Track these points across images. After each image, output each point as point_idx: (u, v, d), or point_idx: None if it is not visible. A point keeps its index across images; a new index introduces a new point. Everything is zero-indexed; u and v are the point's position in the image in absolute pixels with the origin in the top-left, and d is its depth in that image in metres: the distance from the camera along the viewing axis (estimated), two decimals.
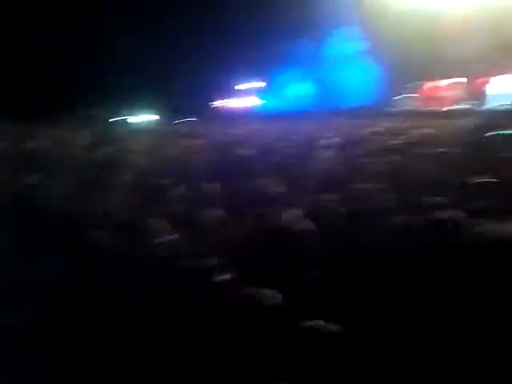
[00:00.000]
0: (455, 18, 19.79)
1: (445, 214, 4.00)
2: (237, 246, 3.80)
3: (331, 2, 20.94)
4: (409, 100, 19.64)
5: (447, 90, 18.97)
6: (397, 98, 19.87)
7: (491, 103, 17.40)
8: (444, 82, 19.23)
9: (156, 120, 22.10)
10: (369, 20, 19.81)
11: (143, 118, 22.70)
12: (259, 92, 23.97)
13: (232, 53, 21.01)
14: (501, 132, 8.64)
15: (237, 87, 24.40)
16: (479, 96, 18.00)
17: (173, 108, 20.16)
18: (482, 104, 17.53)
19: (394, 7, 20.29)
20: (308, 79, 22.46)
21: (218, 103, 24.91)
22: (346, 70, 21.22)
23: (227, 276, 3.22)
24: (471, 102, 17.93)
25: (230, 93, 24.65)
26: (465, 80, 19.02)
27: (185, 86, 21.75)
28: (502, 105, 17.20)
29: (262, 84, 23.89)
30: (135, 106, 22.34)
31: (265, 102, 23.47)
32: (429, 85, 19.81)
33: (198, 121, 19.46)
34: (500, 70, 18.09)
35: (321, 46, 21.70)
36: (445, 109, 18.23)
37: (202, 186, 5.40)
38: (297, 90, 22.61)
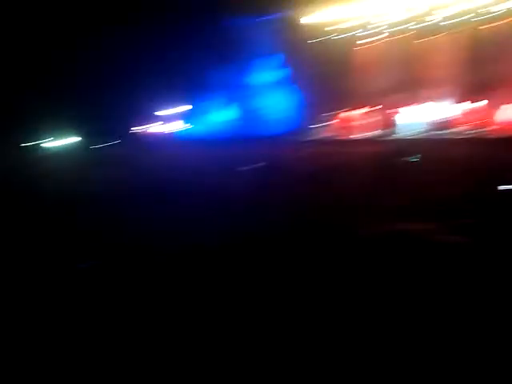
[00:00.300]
0: (372, 52, 20.79)
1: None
2: None
3: (255, 29, 21.39)
4: (327, 128, 20.28)
5: (361, 119, 19.78)
6: (316, 125, 20.46)
7: (401, 132, 18.45)
8: (358, 112, 20.03)
9: (73, 145, 21.34)
10: (292, 48, 20.34)
11: (61, 142, 21.87)
12: (183, 117, 23.82)
13: (156, 78, 20.82)
14: (409, 158, 9.23)
15: (160, 112, 24.13)
16: (390, 125, 18.94)
17: (94, 133, 19.59)
18: (393, 132, 18.49)
19: (316, 37, 20.95)
20: (232, 105, 22.62)
21: (140, 128, 24.49)
22: (268, 96, 21.62)
23: None
24: (383, 131, 18.87)
25: (153, 118, 24.33)
26: (377, 109, 19.94)
27: (107, 110, 21.26)
28: (411, 133, 18.32)
29: (186, 109, 23.76)
30: (54, 130, 21.51)
31: (189, 127, 23.34)
32: (345, 114, 20.55)
33: (116, 146, 19.02)
34: (409, 101, 19.17)
35: (245, 73, 21.97)
36: (359, 136, 19.12)
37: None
38: (221, 115, 22.68)
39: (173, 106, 23.54)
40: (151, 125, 24.30)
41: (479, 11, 17.79)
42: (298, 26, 20.39)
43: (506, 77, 17.38)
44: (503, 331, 3.00)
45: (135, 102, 21.75)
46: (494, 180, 6.20)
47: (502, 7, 17.30)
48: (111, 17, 20.18)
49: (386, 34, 19.94)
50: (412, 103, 19.12)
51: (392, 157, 9.13)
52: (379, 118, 19.66)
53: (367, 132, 19.18)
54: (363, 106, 19.92)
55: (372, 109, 19.73)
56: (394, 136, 18.19)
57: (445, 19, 18.47)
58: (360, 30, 20.21)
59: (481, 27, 18.22)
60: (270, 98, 21.55)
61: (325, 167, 8.55)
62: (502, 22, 17.70)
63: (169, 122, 23.81)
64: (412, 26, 19.05)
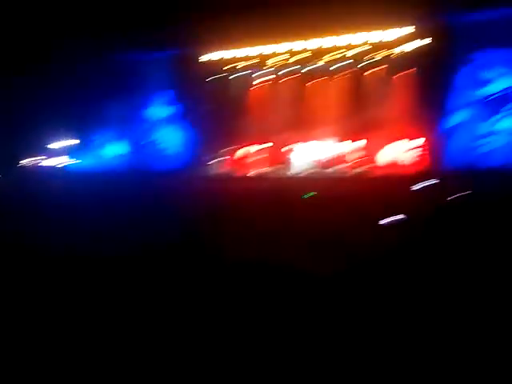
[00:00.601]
0: (267, 91, 21.52)
1: None
2: None
3: (152, 65, 21.40)
4: (221, 164, 20.51)
5: (255, 156, 20.26)
6: (210, 162, 20.62)
7: (291, 169, 19.17)
8: (252, 149, 20.51)
9: None
10: (188, 85, 20.49)
11: None
12: (73, 151, 22.90)
13: (46, 110, 20.00)
14: (306, 194, 9.62)
15: (49, 146, 23.04)
16: (282, 163, 19.58)
17: None
18: (284, 170, 19.14)
19: (214, 75, 21.32)
20: (126, 140, 22.21)
21: (27, 162, 23.19)
22: (163, 132, 21.55)
23: None
24: (275, 168, 19.46)
25: (41, 151, 23.16)
26: (270, 147, 20.56)
27: None
28: (300, 171, 19.09)
29: (77, 143, 22.90)
30: None
31: (78, 161, 22.48)
32: (240, 151, 20.94)
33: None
34: (300, 140, 19.98)
35: (140, 108, 21.79)
36: (253, 173, 19.58)
37: None
38: (113, 150, 22.15)
39: (63, 140, 22.63)
40: (41, 158, 23.14)
41: (365, 57, 19.11)
42: (196, 63, 20.67)
43: (388, 119, 18.88)
44: None
45: (25, 135, 20.78)
46: (376, 215, 6.66)
47: (382, 54, 18.78)
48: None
49: (281, 75, 20.79)
50: (303, 142, 19.93)
51: (283, 193, 9.54)
52: (272, 155, 20.25)
53: (260, 169, 19.66)
54: (257, 144, 20.44)
55: (265, 146, 20.27)
56: (286, 173, 18.86)
57: (334, 63, 19.58)
58: (256, 70, 20.89)
59: (366, 72, 19.71)
60: (165, 133, 21.54)
61: (217, 203, 8.65)
62: (383, 67, 19.30)
63: (59, 155, 22.80)
64: (304, 68, 19.97)
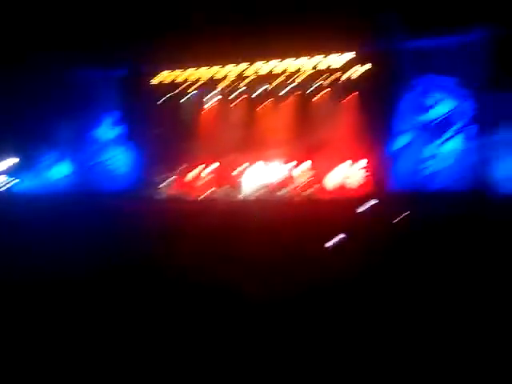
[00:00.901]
0: (217, 113, 21.61)
1: None
2: None
3: (101, 84, 21.11)
4: (171, 185, 20.35)
5: (205, 177, 20.23)
6: (160, 182, 20.43)
7: (244, 190, 19.23)
8: (203, 169, 20.48)
9: None
10: (138, 106, 20.30)
11: None
12: (13, 171, 22.10)
13: None
14: (255, 216, 9.68)
15: None
16: (234, 183, 19.62)
17: None
18: (237, 191, 19.16)
19: (165, 96, 21.25)
20: (72, 160, 21.69)
21: None
22: (112, 152, 21.21)
23: None
24: (226, 189, 19.46)
25: None
26: (221, 167, 20.61)
27: None
28: (254, 192, 19.18)
29: (18, 162, 22.13)
30: None
31: (22, 181, 21.72)
32: (191, 171, 20.87)
33: None
34: (249, 162, 20.12)
35: (88, 127, 21.40)
36: (203, 195, 19.51)
37: None
38: (59, 170, 21.59)
39: (4, 160, 21.84)
40: None
41: (311, 81, 19.51)
42: (147, 83, 20.56)
43: (334, 142, 19.30)
44: None
45: None
46: (321, 237, 6.79)
47: (328, 79, 19.25)
48: None
49: (231, 97, 20.96)
50: (252, 164, 20.09)
51: (232, 215, 9.58)
52: (221, 177, 20.28)
53: (209, 191, 19.64)
54: (207, 165, 20.44)
55: (214, 168, 20.29)
56: (235, 196, 18.90)
57: (282, 86, 19.90)
58: (206, 92, 20.98)
59: (313, 95, 20.14)
60: (114, 153, 21.20)
61: (167, 225, 8.59)
62: (329, 91, 19.79)
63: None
64: (254, 90, 20.20)
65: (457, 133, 16.76)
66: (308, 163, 19.63)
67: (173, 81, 20.65)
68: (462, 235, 7.36)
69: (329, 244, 6.58)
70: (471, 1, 15.92)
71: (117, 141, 21.08)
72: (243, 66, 19.41)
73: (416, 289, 5.00)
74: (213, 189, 19.72)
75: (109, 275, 5.70)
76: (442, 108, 16.89)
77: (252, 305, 4.50)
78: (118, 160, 21.14)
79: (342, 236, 6.75)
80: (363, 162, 18.40)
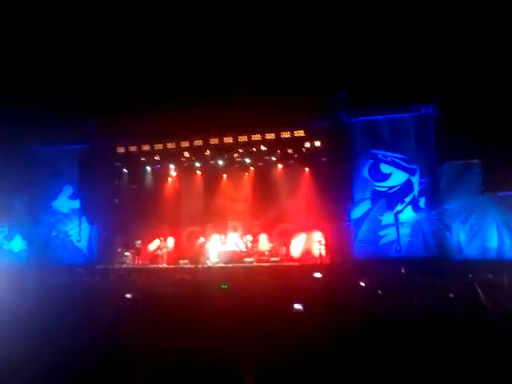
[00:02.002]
0: (181, 184, 21.88)
1: None
2: None
3: (59, 157, 21.09)
4: (130, 258, 20.11)
5: (168, 248, 20.15)
6: (121, 254, 20.18)
7: (208, 260, 19.19)
8: (163, 242, 20.39)
9: None
10: (98, 177, 20.29)
11: None
12: None
13: None
14: (222, 285, 9.70)
15: None
16: (197, 254, 19.58)
17: None
18: (201, 261, 19.09)
19: (128, 167, 21.38)
20: (24, 234, 21.21)
21: None
22: (72, 225, 20.92)
23: None
24: (190, 259, 19.35)
25: None
26: (184, 238, 20.61)
27: None
28: (216, 262, 19.15)
29: None
30: None
31: None
32: (151, 243, 20.76)
33: None
34: (211, 232, 20.24)
35: (40, 202, 21.11)
36: (165, 265, 19.33)
37: None
38: (17, 244, 21.06)
39: None
40: None
41: (272, 154, 20.12)
42: (108, 155, 20.68)
43: (294, 212, 19.76)
44: None
45: None
46: (287, 302, 6.90)
47: (287, 151, 19.91)
48: None
49: (194, 168, 21.32)
50: (214, 234, 20.21)
51: (196, 285, 9.60)
52: (184, 247, 20.26)
53: (171, 261, 19.52)
54: (169, 236, 20.41)
55: (172, 240, 20.28)
56: (203, 265, 18.81)
57: (244, 157, 20.42)
58: (169, 163, 21.29)
59: (274, 168, 20.73)
60: (74, 226, 20.93)
61: (130, 296, 8.48)
62: (289, 163, 20.43)
63: None
64: (210, 165, 20.67)
65: (409, 203, 17.43)
66: (266, 235, 19.95)
67: (130, 155, 20.84)
68: (422, 300, 7.55)
69: (295, 308, 6.70)
70: (418, 79, 17.16)
71: (78, 213, 20.86)
72: (198, 141, 19.84)
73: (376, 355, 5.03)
74: (176, 259, 19.59)
75: (70, 351, 5.48)
76: (397, 178, 17.62)
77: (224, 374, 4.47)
78: (76, 233, 20.83)
79: (301, 302, 6.89)
80: (322, 232, 18.81)
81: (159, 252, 19.99)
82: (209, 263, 19.01)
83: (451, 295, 7.18)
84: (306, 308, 6.56)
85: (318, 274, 11.57)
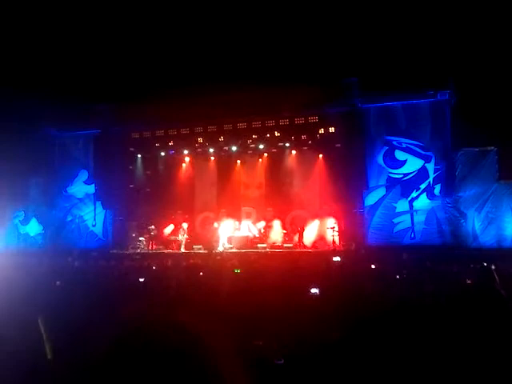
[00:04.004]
0: (195, 170, 21.94)
1: None
2: None
3: (75, 142, 21.23)
4: (145, 242, 20.24)
5: (184, 232, 20.16)
6: (136, 239, 20.31)
7: (221, 245, 19.25)
8: (178, 226, 20.46)
9: None
10: (113, 162, 20.42)
11: None
12: None
13: None
14: (235, 270, 9.75)
15: None
16: (210, 239, 19.61)
17: None
18: (214, 247, 19.15)
19: (143, 152, 21.45)
20: (40, 218, 21.45)
21: None
22: (88, 209, 21.11)
23: None
24: (199, 246, 19.43)
25: None
26: (199, 223, 20.67)
27: None
28: (230, 247, 19.19)
29: None
30: None
31: None
32: (167, 227, 20.85)
33: None
34: (225, 217, 20.24)
35: (56, 187, 21.32)
36: (180, 250, 19.44)
37: None
38: (34, 227, 21.31)
39: None
40: None
41: (286, 140, 20.04)
42: (123, 141, 20.79)
43: (309, 198, 19.72)
44: None
45: None
46: (303, 288, 6.89)
47: (302, 137, 19.83)
48: None
49: (208, 154, 21.34)
50: (227, 219, 20.22)
51: (215, 268, 9.68)
52: (199, 232, 20.32)
53: (186, 246, 19.58)
54: (184, 221, 20.47)
55: (186, 225, 20.29)
56: (216, 250, 18.89)
57: (258, 144, 20.37)
58: (183, 149, 21.32)
59: (288, 153, 20.66)
60: (90, 210, 21.12)
61: (144, 281, 8.55)
62: (304, 149, 20.35)
63: None
64: (230, 147, 20.65)
65: (424, 190, 17.31)
66: (279, 221, 19.92)
67: (144, 140, 20.94)
68: (436, 288, 7.51)
69: (312, 291, 6.70)
70: (434, 65, 16.93)
71: (89, 198, 21.04)
72: (212, 127, 19.88)
73: (395, 342, 5.01)
74: (192, 244, 19.62)
75: (84, 335, 5.52)
76: (412, 165, 17.50)
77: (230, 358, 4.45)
78: (91, 218, 21.03)
79: (319, 287, 6.88)
80: (335, 219, 18.74)
81: (179, 237, 19.95)
82: (222, 249, 19.07)
83: (468, 281, 7.12)
84: (321, 292, 6.57)
85: (336, 258, 11.53)
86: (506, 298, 5.48)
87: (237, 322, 5.16)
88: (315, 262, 12.27)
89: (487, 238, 16.44)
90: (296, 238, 19.39)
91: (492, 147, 16.95)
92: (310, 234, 19.32)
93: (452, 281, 7.49)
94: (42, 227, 21.23)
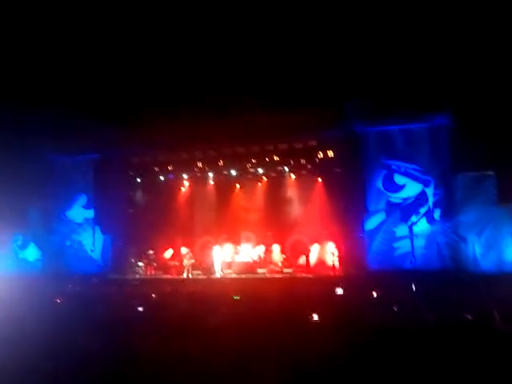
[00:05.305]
0: (192, 194, 21.91)
1: None
2: None
3: (73, 167, 21.26)
4: (143, 267, 20.14)
5: (179, 259, 20.09)
6: (135, 264, 20.19)
7: (221, 271, 19.13)
8: (179, 250, 20.38)
9: None
10: (112, 186, 20.43)
11: None
12: None
13: None
14: (234, 297, 9.72)
15: None
16: (207, 264, 19.52)
17: None
18: (211, 272, 19.05)
19: (143, 176, 21.48)
20: (39, 243, 21.36)
21: None
22: (86, 234, 21.05)
23: None
24: (198, 271, 19.33)
25: None
26: (194, 249, 20.52)
27: None
28: (229, 272, 19.07)
29: None
30: None
31: None
32: (165, 252, 20.77)
33: None
34: (223, 242, 20.18)
35: (54, 211, 21.27)
36: (176, 276, 19.28)
37: None
38: (32, 252, 21.22)
39: None
40: None
41: (285, 164, 20.09)
42: (121, 165, 20.84)
43: (308, 222, 19.66)
44: None
45: None
46: (304, 313, 6.86)
47: (302, 161, 19.87)
48: None
49: (206, 178, 21.37)
50: (227, 243, 20.16)
51: (209, 296, 9.60)
52: (197, 257, 20.19)
53: (184, 272, 19.45)
54: (182, 246, 20.38)
55: (185, 248, 20.18)
56: (214, 275, 18.80)
57: (256, 168, 20.41)
58: (181, 173, 21.35)
59: (287, 178, 20.67)
60: (89, 235, 21.05)
61: (142, 306, 8.49)
62: (303, 173, 20.37)
63: None
64: (228, 172, 20.69)
65: (424, 215, 17.28)
66: (279, 246, 19.84)
67: (144, 165, 21.01)
68: (436, 315, 7.46)
69: (313, 318, 6.66)
70: (432, 89, 17.05)
71: (88, 223, 21.00)
72: (212, 152, 19.98)
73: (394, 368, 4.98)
74: (190, 269, 19.49)
75: (82, 362, 5.48)
76: (412, 189, 17.50)
77: None
78: (90, 243, 20.95)
79: (319, 314, 6.84)
80: (335, 243, 18.68)
81: (184, 262, 19.66)
82: (221, 274, 18.95)
83: (468, 316, 7.06)
84: (321, 320, 6.51)
85: (339, 291, 11.22)
86: (505, 334, 5.45)
87: (236, 357, 5.11)
88: (316, 289, 12.17)
89: (488, 263, 16.35)
90: (303, 261, 19.21)
91: (490, 171, 16.97)
92: (312, 258, 19.23)
93: (451, 312, 7.42)
94: (40, 252, 21.12)
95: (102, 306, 9.79)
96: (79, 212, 21.24)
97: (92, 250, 20.78)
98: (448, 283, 12.61)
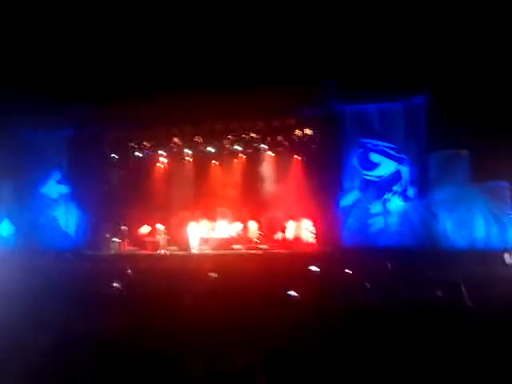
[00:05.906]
0: (169, 170, 21.76)
1: None
2: None
3: (48, 143, 20.85)
4: (118, 244, 20.03)
5: (157, 234, 20.04)
6: (110, 240, 20.05)
7: (196, 247, 19.17)
8: (154, 226, 20.32)
9: None
10: (87, 162, 20.15)
11: None
12: None
13: None
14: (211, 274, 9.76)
15: None
16: (182, 241, 19.53)
17: None
18: (187, 248, 19.08)
19: (118, 152, 21.18)
20: (12, 219, 21.05)
21: None
22: (60, 210, 20.78)
23: None
24: (174, 247, 19.35)
25: None
26: (172, 224, 20.46)
27: None
28: (204, 248, 19.12)
29: None
30: None
31: None
32: (140, 228, 20.67)
33: None
34: (199, 219, 20.15)
35: (28, 187, 20.92)
36: (153, 251, 19.28)
37: None
38: (4, 228, 20.91)
39: None
40: None
41: (262, 141, 20.07)
42: (96, 141, 20.52)
43: (283, 199, 19.74)
44: None
45: None
46: (281, 288, 6.93)
47: (277, 138, 19.85)
48: None
49: (181, 154, 21.21)
50: (202, 220, 20.14)
51: (185, 273, 9.64)
52: (172, 233, 20.15)
53: (161, 248, 19.44)
54: (158, 222, 20.31)
55: (160, 225, 20.12)
56: (191, 252, 18.84)
57: (232, 144, 20.34)
58: (157, 149, 21.15)
59: (263, 155, 20.65)
60: (63, 211, 20.81)
61: (117, 282, 8.47)
62: (279, 150, 20.37)
63: None
64: (204, 148, 20.57)
65: (398, 193, 17.52)
66: (255, 222, 19.92)
67: (119, 141, 20.74)
68: (410, 291, 7.61)
69: (288, 294, 6.75)
70: (409, 68, 17.14)
71: (66, 198, 20.73)
72: (189, 128, 19.82)
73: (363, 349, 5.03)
74: (166, 245, 19.49)
75: (54, 338, 5.41)
76: (386, 167, 17.70)
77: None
78: (64, 218, 20.72)
79: (293, 290, 6.93)
80: (311, 220, 18.86)
81: (148, 238, 19.82)
82: (197, 250, 19.00)
83: (438, 293, 7.23)
84: (297, 297, 6.62)
85: (314, 268, 11.33)
86: (471, 313, 5.63)
87: (213, 336, 5.13)
88: (292, 266, 12.29)
89: (459, 240, 16.72)
90: (278, 237, 19.36)
91: (465, 150, 17.23)
92: (286, 234, 19.39)
93: (423, 289, 7.59)
94: (14, 228, 20.82)
95: (76, 281, 9.74)
96: (54, 188, 20.94)
97: (67, 226, 20.57)
98: (421, 261, 12.86)
